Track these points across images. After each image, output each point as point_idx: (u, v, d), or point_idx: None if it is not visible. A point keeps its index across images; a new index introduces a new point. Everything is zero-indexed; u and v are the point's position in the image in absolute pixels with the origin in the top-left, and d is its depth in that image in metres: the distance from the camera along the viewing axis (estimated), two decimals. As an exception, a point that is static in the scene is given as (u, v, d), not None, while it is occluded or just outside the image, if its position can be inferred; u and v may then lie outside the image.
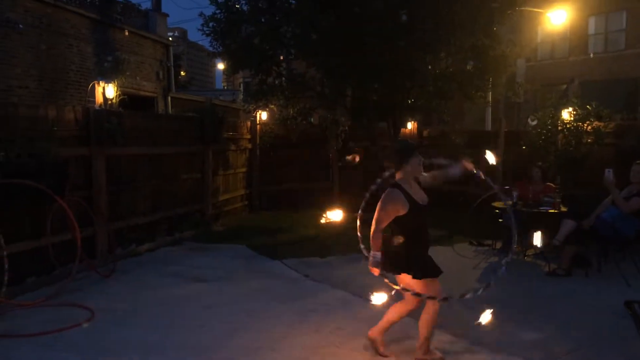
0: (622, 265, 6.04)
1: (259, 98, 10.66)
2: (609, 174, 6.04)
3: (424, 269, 3.81)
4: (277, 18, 10.08)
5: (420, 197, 3.88)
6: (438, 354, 3.98)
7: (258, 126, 11.43)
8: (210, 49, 10.63)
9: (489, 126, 15.06)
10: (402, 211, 3.73)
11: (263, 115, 11.65)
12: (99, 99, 9.15)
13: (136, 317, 4.95)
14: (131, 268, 6.68)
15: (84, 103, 9.89)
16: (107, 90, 9.30)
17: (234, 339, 4.38)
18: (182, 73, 25.74)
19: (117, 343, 4.31)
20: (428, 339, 3.93)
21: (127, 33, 13.57)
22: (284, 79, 10.61)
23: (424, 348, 3.92)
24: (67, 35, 11.98)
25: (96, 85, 9.41)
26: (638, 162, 6.18)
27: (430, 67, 9.45)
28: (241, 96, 17.99)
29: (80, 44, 12.31)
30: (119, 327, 4.67)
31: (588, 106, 8.25)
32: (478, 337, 4.37)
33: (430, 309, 3.85)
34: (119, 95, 9.54)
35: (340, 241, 8.19)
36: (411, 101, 9.78)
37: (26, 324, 4.65)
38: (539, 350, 4.12)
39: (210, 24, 9.93)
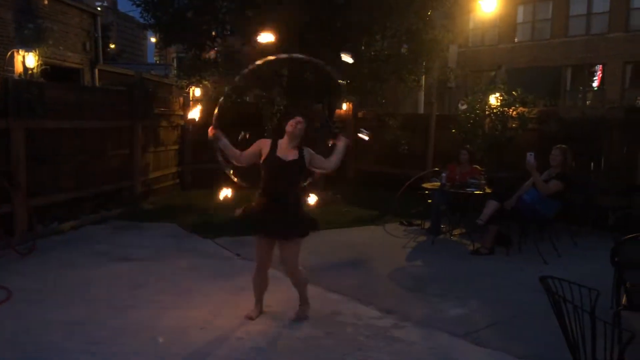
0: (541, 244, 6.37)
1: (192, 73, 10.39)
2: (530, 157, 6.30)
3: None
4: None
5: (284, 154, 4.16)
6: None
7: (191, 103, 11.14)
8: (141, 20, 10.23)
9: (421, 110, 15.35)
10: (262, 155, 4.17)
11: (196, 92, 11.37)
12: (19, 68, 8.61)
13: (57, 297, 4.74)
14: (53, 246, 6.40)
15: (2, 72, 9.29)
16: (28, 60, 8.75)
17: (162, 319, 4.29)
18: (112, 45, 24.69)
19: (37, 323, 4.12)
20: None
21: (48, 1, 12.81)
22: (218, 55, 10.37)
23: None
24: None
25: (15, 54, 8.85)
26: (557, 146, 6.50)
27: (364, 49, 9.51)
28: (174, 71, 17.46)
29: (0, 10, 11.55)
30: (39, 307, 4.46)
31: (514, 92, 8.57)
32: (406, 312, 4.50)
33: None
34: (41, 65, 9.01)
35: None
36: (346, 82, 9.82)
37: None
38: (462, 324, 4.28)
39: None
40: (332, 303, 4.74)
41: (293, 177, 4.18)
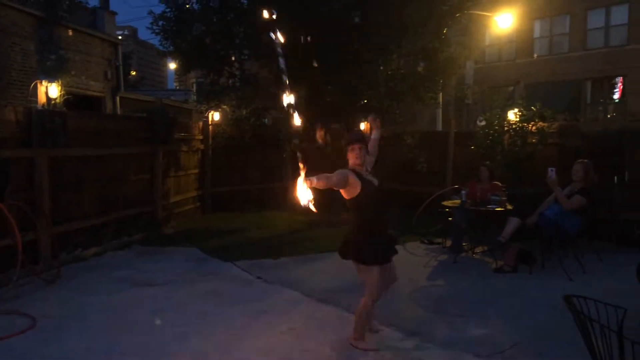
0: (565, 261, 6.26)
1: (211, 98, 10.55)
2: (551, 172, 6.24)
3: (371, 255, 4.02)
4: (228, 18, 9.99)
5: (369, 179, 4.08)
6: (373, 347, 4.14)
7: (210, 127, 11.28)
8: (161, 48, 10.45)
9: (439, 127, 15.34)
10: (353, 189, 3.93)
11: (216, 116, 11.51)
12: (42, 98, 8.81)
13: (81, 323, 4.78)
14: (77, 273, 6.46)
15: (27, 103, 9.52)
16: (51, 90, 8.97)
17: (184, 343, 4.30)
18: (132, 72, 25.17)
19: (61, 351, 4.16)
20: (361, 325, 4.15)
21: (71, 32, 13.17)
22: (236, 79, 10.52)
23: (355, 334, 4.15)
24: (10, 33, 11.53)
25: (39, 85, 9.07)
26: (579, 161, 6.42)
27: (382, 68, 9.56)
28: (194, 96, 17.74)
29: (23, 42, 11.88)
30: (63, 334, 4.50)
31: (533, 107, 8.51)
32: (428, 333, 4.44)
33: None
34: (64, 95, 9.22)
35: (293, 242, 8.20)
36: (364, 102, 9.86)
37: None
38: (486, 345, 4.21)
39: (160, 23, 9.79)
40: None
41: (384, 199, 4.22)
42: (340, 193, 4.02)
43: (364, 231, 4.02)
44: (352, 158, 4.07)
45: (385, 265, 4.09)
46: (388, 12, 8.63)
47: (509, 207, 6.99)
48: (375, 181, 4.11)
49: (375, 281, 3.99)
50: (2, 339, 4.31)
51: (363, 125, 11.71)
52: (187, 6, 10.01)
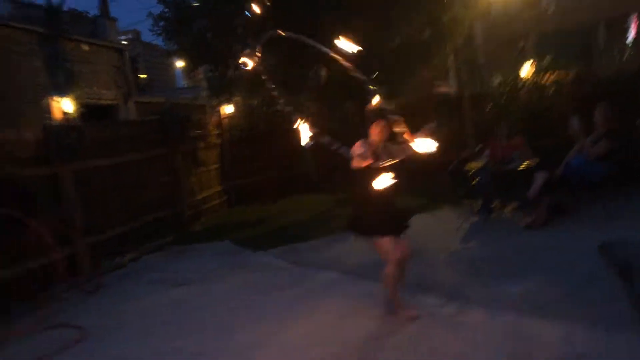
0: (595, 209, 6.19)
1: (221, 92, 10.57)
2: (574, 121, 6.15)
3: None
4: (227, 10, 9.94)
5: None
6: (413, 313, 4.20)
7: (225, 120, 11.33)
8: (165, 47, 10.49)
9: (452, 90, 15.13)
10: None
11: (229, 109, 11.55)
12: (57, 114, 8.95)
13: (127, 329, 4.90)
14: (116, 281, 6.61)
15: (42, 120, 9.65)
16: (64, 104, 9.09)
17: (232, 337, 4.37)
18: (142, 75, 25.28)
19: (111, 359, 4.28)
20: (393, 295, 4.22)
21: (78, 44, 13.25)
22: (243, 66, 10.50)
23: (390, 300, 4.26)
24: (16, 52, 11.64)
25: (51, 101, 9.20)
26: (600, 104, 6.31)
27: (386, 42, 9.47)
28: (204, 92, 17.80)
29: (30, 60, 11.98)
30: (111, 342, 4.63)
31: (545, 59, 8.36)
32: (468, 296, 4.45)
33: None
34: (78, 108, 9.35)
35: (321, 223, 8.24)
36: (375, 76, 9.78)
37: (18, 352, 4.60)
38: (526, 300, 4.21)
39: (160, 24, 9.79)
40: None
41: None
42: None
43: (370, 203, 4.07)
44: (375, 133, 4.13)
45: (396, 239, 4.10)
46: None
47: (534, 162, 6.91)
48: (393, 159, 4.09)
49: (388, 247, 4.05)
50: (57, 354, 4.45)
51: (375, 101, 11.65)
52: (185, 3, 9.99)
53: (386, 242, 4.06)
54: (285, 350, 4.00)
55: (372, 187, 3.83)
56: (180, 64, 15.76)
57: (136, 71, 21.11)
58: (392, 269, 4.10)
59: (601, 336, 3.43)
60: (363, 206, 4.15)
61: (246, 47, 10.53)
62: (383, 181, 3.73)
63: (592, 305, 3.91)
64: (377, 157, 4.00)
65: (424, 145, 3.76)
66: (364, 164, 3.91)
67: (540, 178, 6.37)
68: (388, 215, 4.14)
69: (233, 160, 11.35)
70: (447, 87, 4.25)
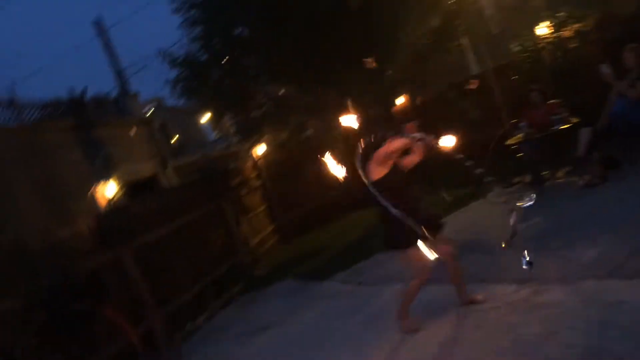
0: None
1: (250, 133, 10.76)
2: (604, 68, 5.93)
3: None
4: (236, 53, 10.14)
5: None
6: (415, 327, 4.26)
7: (260, 160, 11.47)
8: (190, 105, 10.80)
9: (474, 70, 14.86)
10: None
11: (262, 148, 11.70)
12: (102, 199, 9.30)
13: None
14: (197, 347, 6.66)
15: (91, 209, 10.00)
16: (108, 189, 9.45)
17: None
18: (173, 139, 25.99)
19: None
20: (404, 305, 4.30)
21: (107, 127, 13.75)
22: (265, 106, 10.65)
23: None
24: (53, 150, 12.13)
25: (95, 189, 9.57)
26: (627, 47, 6.05)
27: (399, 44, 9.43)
28: (235, 138, 18.15)
29: (68, 154, 12.45)
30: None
31: (561, 14, 8.11)
32: (540, 274, 4.27)
33: None
34: (122, 187, 9.68)
35: (377, 237, 8.14)
36: (389, 73, 9.67)
37: None
38: (602, 265, 4.03)
39: (179, 86, 10.08)
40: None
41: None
42: None
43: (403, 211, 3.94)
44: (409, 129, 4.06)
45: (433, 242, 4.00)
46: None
47: (575, 120, 6.67)
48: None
49: (422, 258, 3.96)
50: None
51: (400, 100, 11.54)
52: (195, 60, 10.25)
53: (419, 253, 3.95)
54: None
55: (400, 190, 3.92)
56: (206, 117, 16.15)
57: (167, 137, 21.71)
58: (417, 284, 4.12)
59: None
60: (389, 218, 3.99)
61: (262, 87, 10.73)
62: (448, 141, 3.81)
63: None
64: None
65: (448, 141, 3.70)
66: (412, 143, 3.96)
67: (585, 134, 6.15)
68: (419, 219, 3.97)
69: (278, 196, 11.42)
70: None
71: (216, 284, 8.40)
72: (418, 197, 4.12)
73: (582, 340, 3.20)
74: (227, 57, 10.03)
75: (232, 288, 8.57)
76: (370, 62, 7.88)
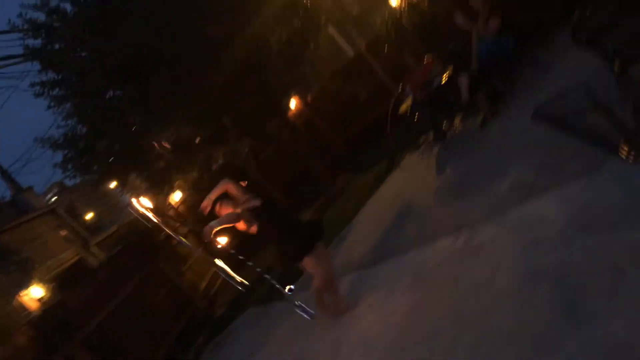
0: (526, 82, 6.24)
1: (159, 185, 10.54)
2: (458, 18, 6.30)
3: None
4: (115, 116, 9.88)
5: None
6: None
7: (179, 206, 11.29)
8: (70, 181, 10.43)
9: (350, 52, 15.32)
10: None
11: (178, 195, 11.51)
12: (32, 304, 8.83)
13: None
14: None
15: (20, 318, 9.45)
16: (34, 292, 9.00)
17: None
18: (87, 218, 24.98)
19: None
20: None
21: (13, 231, 13.03)
22: (165, 156, 10.49)
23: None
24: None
25: (21, 297, 9.08)
26: None
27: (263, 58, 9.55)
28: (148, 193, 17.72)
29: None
30: None
31: None
32: (471, 219, 4.47)
33: None
34: (50, 283, 9.23)
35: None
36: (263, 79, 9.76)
37: None
38: (516, 189, 4.24)
39: (69, 167, 9.74)
40: (412, 263, 4.78)
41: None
42: None
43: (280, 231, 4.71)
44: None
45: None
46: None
47: (450, 70, 7.05)
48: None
49: (312, 267, 4.71)
50: None
51: (293, 104, 11.69)
52: (76, 136, 9.88)
53: (309, 263, 4.61)
54: None
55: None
56: (112, 184, 15.68)
57: (79, 217, 20.87)
58: (320, 284, 4.74)
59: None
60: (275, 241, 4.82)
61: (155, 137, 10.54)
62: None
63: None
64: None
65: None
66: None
67: (463, 80, 6.51)
68: (295, 239, 4.66)
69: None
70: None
71: (182, 339, 8.23)
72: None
73: (522, 264, 3.42)
74: (105, 123, 9.76)
75: (198, 339, 8.42)
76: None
